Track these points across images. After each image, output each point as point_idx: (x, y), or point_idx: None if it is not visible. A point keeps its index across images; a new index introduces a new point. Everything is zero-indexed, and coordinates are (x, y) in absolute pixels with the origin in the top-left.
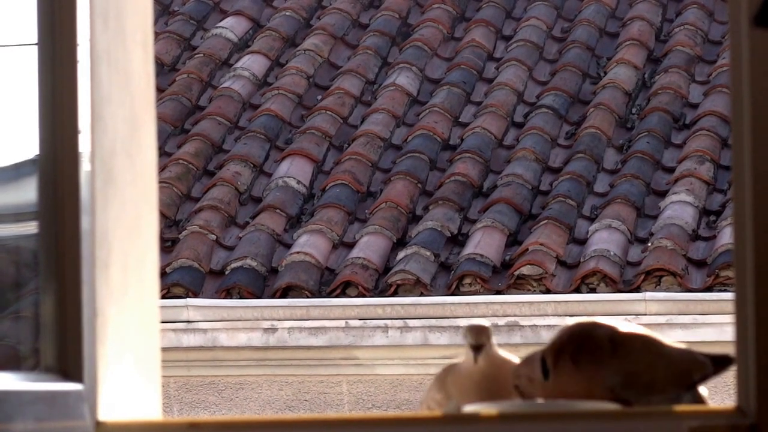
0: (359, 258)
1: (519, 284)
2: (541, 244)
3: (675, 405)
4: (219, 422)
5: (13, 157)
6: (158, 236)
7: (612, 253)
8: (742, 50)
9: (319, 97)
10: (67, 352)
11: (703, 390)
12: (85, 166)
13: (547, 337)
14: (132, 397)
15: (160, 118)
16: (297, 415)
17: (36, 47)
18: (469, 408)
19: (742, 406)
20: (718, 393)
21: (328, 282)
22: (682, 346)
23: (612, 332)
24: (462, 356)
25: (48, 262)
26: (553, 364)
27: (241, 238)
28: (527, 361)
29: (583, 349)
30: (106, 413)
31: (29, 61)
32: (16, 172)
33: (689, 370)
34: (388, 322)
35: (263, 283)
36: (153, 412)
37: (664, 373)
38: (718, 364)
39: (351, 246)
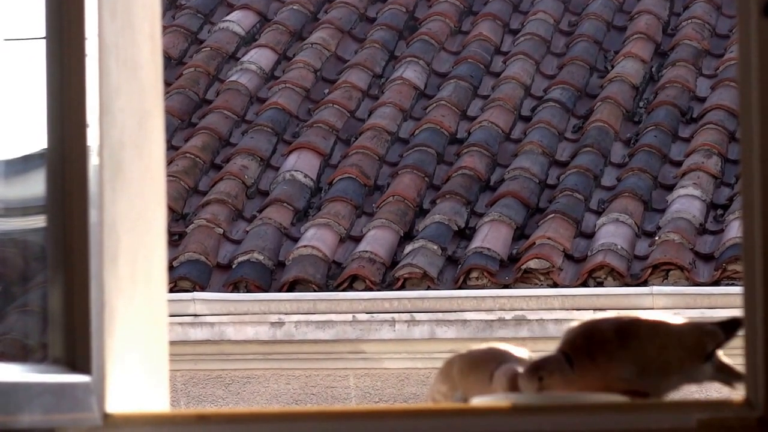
0: (366, 252)
1: (526, 278)
2: (548, 238)
3: (696, 380)
4: (228, 414)
5: (21, 150)
6: (166, 229)
7: (619, 246)
8: (751, 41)
9: (326, 91)
10: (75, 345)
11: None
12: (93, 160)
13: (554, 330)
14: (140, 389)
15: (167, 112)
16: (304, 407)
17: (44, 41)
18: (477, 400)
19: (751, 398)
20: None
21: (335, 276)
22: (687, 320)
23: (617, 324)
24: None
25: (56, 255)
26: (575, 362)
27: (248, 231)
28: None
29: (594, 346)
30: (114, 405)
31: (38, 55)
32: (25, 165)
33: (701, 341)
34: (395, 315)
35: (270, 276)
36: (161, 404)
37: (676, 350)
38: (728, 329)
39: (358, 240)
